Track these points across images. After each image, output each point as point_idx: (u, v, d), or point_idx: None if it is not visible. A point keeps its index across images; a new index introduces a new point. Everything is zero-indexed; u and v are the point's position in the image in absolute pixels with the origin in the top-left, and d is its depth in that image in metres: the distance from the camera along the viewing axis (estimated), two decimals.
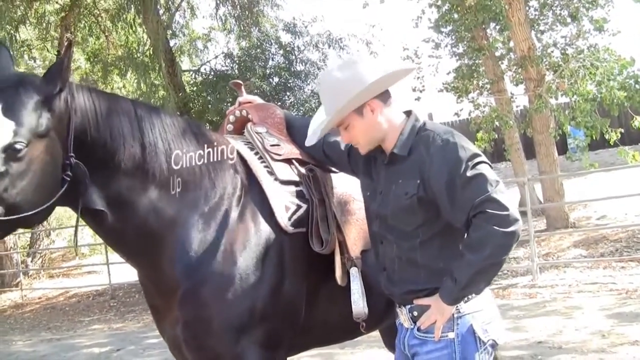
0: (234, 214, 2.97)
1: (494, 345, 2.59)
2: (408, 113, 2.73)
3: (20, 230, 20.73)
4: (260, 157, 3.23)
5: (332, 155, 3.12)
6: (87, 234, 18.42)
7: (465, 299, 2.52)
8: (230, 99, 13.75)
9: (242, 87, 3.77)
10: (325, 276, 3.09)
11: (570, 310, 8.14)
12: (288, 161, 3.28)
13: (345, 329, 3.29)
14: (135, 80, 17.97)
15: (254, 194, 3.08)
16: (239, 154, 3.20)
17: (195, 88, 15.93)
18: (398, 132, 2.64)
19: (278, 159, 3.25)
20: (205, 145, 3.03)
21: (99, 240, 15.80)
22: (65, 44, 16.05)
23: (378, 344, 4.74)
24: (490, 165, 2.51)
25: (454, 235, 2.56)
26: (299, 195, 3.16)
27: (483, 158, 2.49)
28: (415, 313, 2.60)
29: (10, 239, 17.38)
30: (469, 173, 2.42)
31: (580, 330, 7.12)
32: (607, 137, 11.46)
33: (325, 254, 3.06)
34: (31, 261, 18.01)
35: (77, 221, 2.76)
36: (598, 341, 6.59)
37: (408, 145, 2.60)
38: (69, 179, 2.55)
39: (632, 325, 7.01)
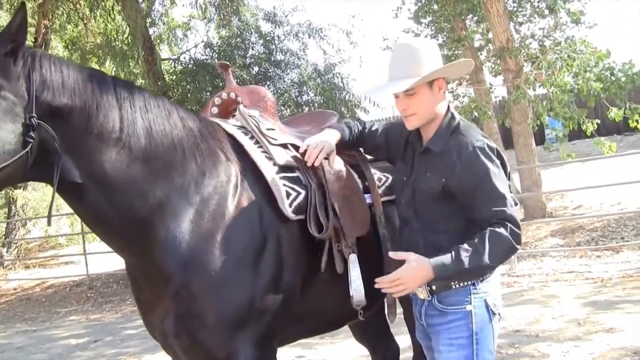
0: (230, 203, 2.90)
1: (499, 319, 2.93)
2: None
3: None
4: (257, 142, 3.16)
5: (370, 143, 3.29)
6: (64, 224, 18.32)
7: (481, 278, 2.83)
8: (210, 88, 13.70)
9: (229, 69, 3.70)
10: (320, 265, 3.07)
11: (547, 299, 8.24)
12: (284, 146, 3.23)
13: (337, 318, 3.28)
14: (114, 69, 17.81)
15: (252, 180, 3.02)
16: (232, 138, 3.13)
17: (174, 77, 15.79)
18: (439, 121, 2.89)
19: (275, 144, 3.18)
20: (192, 130, 2.94)
21: (77, 230, 15.75)
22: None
23: None
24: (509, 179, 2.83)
25: (476, 224, 2.75)
26: (297, 181, 3.11)
27: (506, 173, 2.81)
28: (434, 287, 2.83)
29: None
30: (492, 188, 2.70)
31: (557, 318, 7.21)
32: (584, 127, 11.56)
33: (320, 242, 3.05)
34: (6, 251, 17.82)
35: (53, 194, 2.66)
36: (574, 329, 6.68)
37: (441, 144, 2.84)
38: (31, 140, 2.47)
39: (607, 313, 7.10)
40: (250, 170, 3.05)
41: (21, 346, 9.51)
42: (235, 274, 2.81)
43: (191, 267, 2.78)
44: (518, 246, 2.70)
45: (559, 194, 13.73)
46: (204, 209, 2.85)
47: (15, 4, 15.64)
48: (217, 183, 2.91)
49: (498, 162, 2.77)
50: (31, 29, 17.45)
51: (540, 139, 15.56)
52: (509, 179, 2.84)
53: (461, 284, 2.80)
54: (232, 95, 3.46)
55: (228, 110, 3.47)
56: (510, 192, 2.76)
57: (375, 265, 3.26)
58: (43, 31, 16.39)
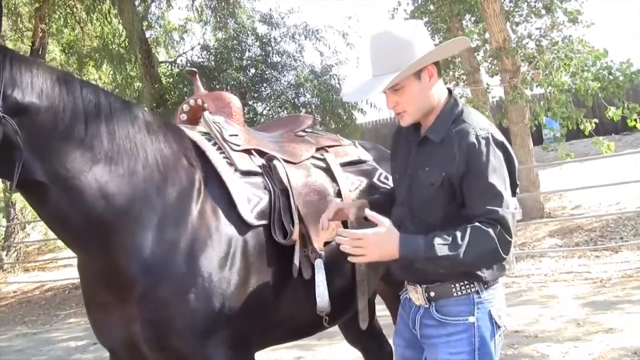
0: (194, 209, 2.88)
1: (504, 331, 2.67)
2: (449, 92, 2.69)
3: None
4: (219, 148, 3.16)
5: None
6: None
7: (485, 286, 2.57)
8: (207, 91, 13.69)
9: (197, 75, 3.74)
10: (291, 270, 3.06)
11: (546, 299, 8.23)
12: (247, 151, 3.23)
13: (312, 323, 3.24)
14: (111, 72, 17.80)
15: (214, 186, 3.00)
16: (196, 145, 3.12)
17: (171, 80, 15.81)
18: (439, 110, 2.61)
19: (237, 150, 3.18)
20: (157, 134, 2.93)
21: None
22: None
23: None
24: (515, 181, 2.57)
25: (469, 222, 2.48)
26: (260, 186, 3.11)
27: (512, 169, 2.54)
28: (432, 294, 2.60)
29: None
30: (489, 184, 2.43)
31: (556, 319, 7.20)
32: (582, 127, 11.55)
33: (289, 247, 3.03)
34: (6, 255, 17.81)
35: (12, 188, 2.65)
36: (573, 329, 6.68)
37: (442, 132, 2.56)
38: None
39: (606, 313, 7.10)
40: (213, 176, 3.04)
41: (21, 349, 9.50)
42: (200, 280, 2.79)
43: (156, 273, 2.76)
44: (504, 255, 2.41)
45: (557, 194, 13.72)
46: (168, 214, 2.83)
47: (13, 8, 15.65)
48: (181, 188, 2.89)
49: (501, 156, 2.49)
50: (28, 33, 17.48)
51: (537, 139, 15.55)
52: (514, 176, 2.57)
53: (463, 292, 2.55)
54: (199, 101, 3.49)
55: (196, 117, 3.49)
56: (514, 194, 2.54)
57: (346, 272, 3.25)
58: (40, 35, 16.36)
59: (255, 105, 15.32)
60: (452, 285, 2.56)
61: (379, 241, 2.43)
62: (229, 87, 14.26)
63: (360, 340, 4.14)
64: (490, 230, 2.37)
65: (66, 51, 18.70)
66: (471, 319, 2.55)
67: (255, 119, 14.45)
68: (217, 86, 14.21)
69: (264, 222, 3.02)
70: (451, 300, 2.58)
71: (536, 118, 11.80)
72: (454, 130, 2.53)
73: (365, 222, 2.98)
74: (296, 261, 3.04)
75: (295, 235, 3.03)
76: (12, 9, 15.91)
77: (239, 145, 3.21)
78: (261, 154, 3.27)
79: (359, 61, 16.16)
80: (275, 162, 3.20)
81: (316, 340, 7.01)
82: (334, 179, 3.40)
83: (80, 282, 3.16)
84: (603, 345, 5.99)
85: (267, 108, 15.27)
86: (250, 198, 3.03)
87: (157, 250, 2.77)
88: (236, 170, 3.09)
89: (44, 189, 2.63)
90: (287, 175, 3.15)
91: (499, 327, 2.61)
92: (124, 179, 2.76)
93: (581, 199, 13.07)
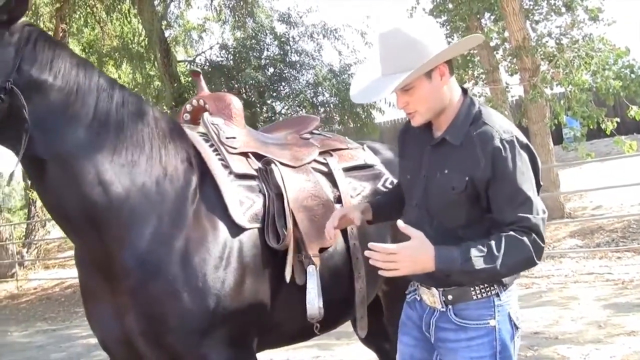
0: (190, 209, 2.87)
1: (520, 332, 2.60)
2: (463, 92, 2.60)
3: (16, 221, 20.66)
4: (216, 150, 3.15)
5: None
6: None
7: (504, 288, 2.51)
8: (225, 90, 13.75)
9: (201, 76, 3.74)
10: (283, 274, 3.03)
11: (566, 300, 8.16)
12: (244, 154, 3.21)
13: (306, 329, 3.20)
14: (131, 71, 17.91)
15: (209, 188, 2.99)
16: (193, 146, 3.11)
17: (190, 78, 15.87)
18: (455, 110, 2.52)
19: (234, 152, 3.17)
20: (163, 130, 2.95)
21: None
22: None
23: None
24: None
25: (497, 228, 2.42)
26: (255, 189, 3.09)
27: (536, 171, 2.47)
28: (450, 297, 2.52)
29: (5, 230, 17.39)
30: (517, 190, 2.37)
31: (577, 320, 7.13)
32: (603, 126, 11.45)
33: (286, 252, 3.01)
34: (27, 252, 17.96)
35: (19, 159, 2.66)
36: (594, 331, 6.61)
37: (461, 135, 2.47)
38: (1, 101, 2.53)
39: (629, 315, 7.02)
40: (208, 177, 3.03)
41: (41, 345, 9.58)
42: (194, 278, 2.78)
43: (151, 269, 2.75)
44: (538, 261, 2.36)
45: (578, 194, 13.59)
46: (164, 211, 2.82)
47: (35, 8, 15.75)
48: (179, 186, 2.90)
49: (527, 158, 2.41)
50: (49, 33, 17.58)
51: (557, 138, 15.45)
52: (538, 177, 2.47)
53: (483, 295, 2.48)
54: (201, 102, 3.48)
55: (197, 117, 3.48)
56: (538, 194, 2.43)
57: (343, 279, 3.24)
58: (61, 35, 16.47)
59: (273, 104, 15.37)
60: (472, 289, 2.49)
61: (413, 255, 2.33)
62: (247, 86, 14.30)
63: (373, 340, 4.13)
64: (525, 239, 2.31)
65: (86, 51, 18.85)
66: (492, 323, 2.49)
67: (274, 117, 14.49)
68: (236, 85, 14.25)
69: (257, 225, 3.00)
70: (471, 303, 2.51)
71: (556, 117, 11.73)
72: (475, 132, 2.44)
73: (368, 225, 2.99)
74: (288, 267, 3.01)
75: (289, 240, 3.01)
76: (33, 9, 16.02)
77: (235, 148, 3.20)
78: (258, 157, 3.25)
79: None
80: (272, 165, 3.18)
81: (335, 340, 7.01)
82: (334, 184, 3.37)
83: (77, 273, 3.15)
84: (625, 348, 5.92)
85: (286, 107, 15.31)
86: (243, 201, 3.01)
87: (151, 246, 2.76)
88: (231, 172, 3.08)
89: (45, 166, 2.67)
90: (282, 179, 3.13)
91: (517, 328, 2.55)
92: (125, 170, 2.78)
93: (602, 199, 12.94)
